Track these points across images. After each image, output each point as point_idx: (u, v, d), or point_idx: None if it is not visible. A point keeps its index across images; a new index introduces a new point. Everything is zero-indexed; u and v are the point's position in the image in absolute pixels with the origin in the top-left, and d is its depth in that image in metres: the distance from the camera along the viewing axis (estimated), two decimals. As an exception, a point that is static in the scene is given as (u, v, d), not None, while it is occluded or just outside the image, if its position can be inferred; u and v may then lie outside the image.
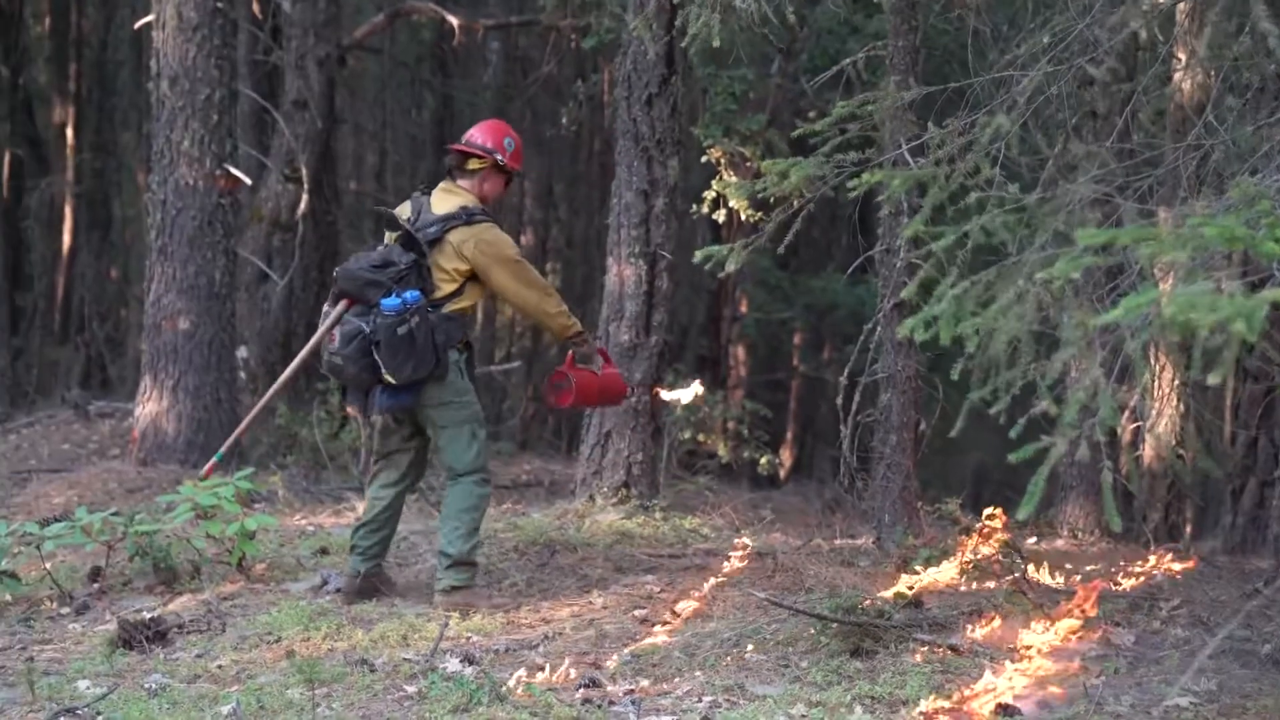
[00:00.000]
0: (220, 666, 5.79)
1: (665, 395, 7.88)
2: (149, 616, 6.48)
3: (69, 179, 20.40)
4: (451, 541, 6.75)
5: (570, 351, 7.22)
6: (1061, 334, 3.21)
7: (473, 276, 6.85)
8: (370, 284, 6.66)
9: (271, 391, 7.59)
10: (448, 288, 6.80)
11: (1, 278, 17.06)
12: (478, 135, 7.10)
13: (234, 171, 11.55)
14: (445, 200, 6.95)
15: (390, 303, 6.55)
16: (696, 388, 7.72)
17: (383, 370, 6.57)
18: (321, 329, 6.88)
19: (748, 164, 14.02)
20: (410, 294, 6.58)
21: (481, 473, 6.92)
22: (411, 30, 20.78)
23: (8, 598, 7.31)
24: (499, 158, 7.02)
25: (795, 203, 6.70)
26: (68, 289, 20.79)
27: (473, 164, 7.02)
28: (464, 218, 6.83)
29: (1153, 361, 8.90)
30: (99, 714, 4.99)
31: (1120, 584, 7.14)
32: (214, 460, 7.60)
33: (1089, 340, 2.96)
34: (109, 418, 14.44)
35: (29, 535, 7.55)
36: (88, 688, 5.47)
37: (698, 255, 6.93)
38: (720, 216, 14.06)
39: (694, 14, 6.63)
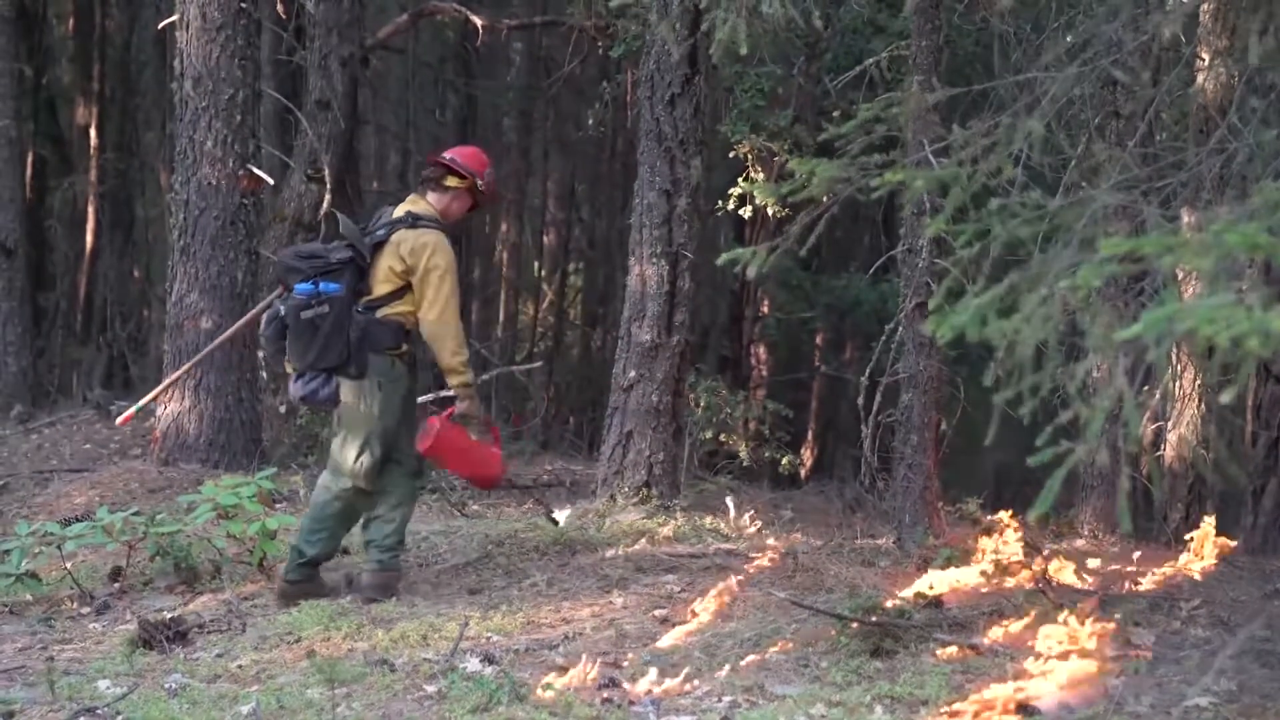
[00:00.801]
0: (240, 666, 5.80)
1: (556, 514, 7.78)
2: (169, 616, 6.50)
3: (92, 179, 20.44)
4: (302, 535, 7.04)
5: (454, 405, 7.10)
6: (1087, 341, 3.20)
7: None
8: (291, 269, 6.92)
9: (194, 361, 8.76)
10: (385, 289, 6.90)
11: (24, 277, 17.08)
12: (462, 158, 7.25)
13: (257, 171, 11.56)
14: (403, 208, 7.12)
15: (302, 287, 6.79)
16: (562, 516, 7.57)
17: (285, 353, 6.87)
18: (252, 311, 7.11)
19: (775, 159, 14.02)
20: (329, 285, 6.78)
21: (360, 481, 6.93)
22: (435, 30, 20.83)
23: (29, 597, 7.35)
24: (478, 182, 7.18)
25: (820, 204, 6.70)
26: (90, 289, 20.84)
27: (452, 181, 7.16)
28: (409, 221, 6.97)
29: (1174, 363, 8.88)
30: (119, 714, 5.00)
31: (1140, 584, 7.12)
32: (131, 410, 8.33)
33: (1113, 347, 2.96)
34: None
35: (50, 535, 7.60)
36: (108, 687, 5.49)
37: (722, 258, 6.92)
38: (746, 213, 14.05)
39: (720, 18, 6.63)
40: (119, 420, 8.54)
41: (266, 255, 13.03)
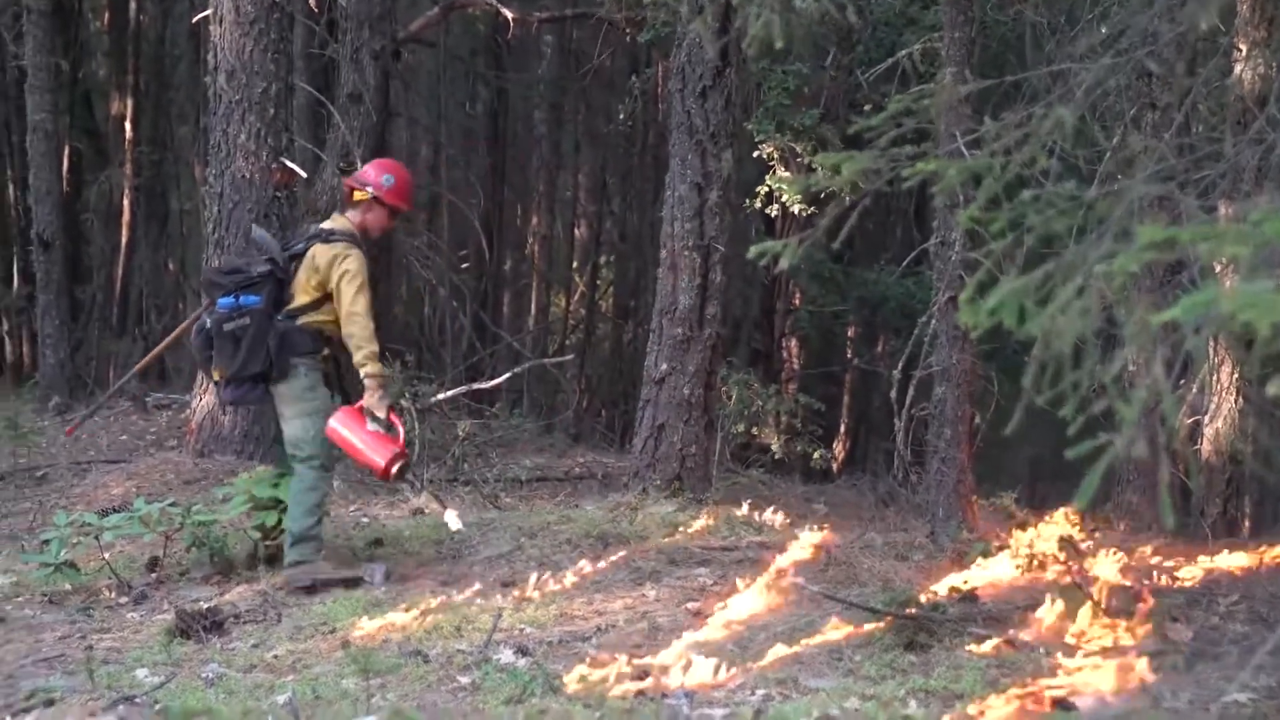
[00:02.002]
0: (276, 656, 5.83)
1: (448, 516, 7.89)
2: (206, 606, 6.54)
3: (127, 172, 20.52)
4: (295, 519, 7.26)
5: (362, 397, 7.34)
6: (1123, 330, 3.18)
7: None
8: (213, 285, 7.43)
9: (129, 375, 9.53)
10: (303, 299, 7.33)
11: (61, 270, 17.15)
12: (363, 171, 7.73)
13: (289, 165, 11.59)
14: (325, 225, 7.62)
15: (224, 301, 7.26)
16: (455, 519, 7.70)
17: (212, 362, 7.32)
18: (182, 325, 7.98)
19: (799, 159, 13.99)
20: (249, 298, 7.25)
21: (320, 459, 7.32)
22: (466, 23, 20.83)
23: (67, 587, 7.39)
24: (372, 190, 7.54)
25: (850, 197, 6.68)
26: (126, 282, 20.92)
27: (356, 196, 7.59)
28: (323, 236, 7.42)
29: (1212, 356, 8.83)
30: (157, 702, 5.03)
31: (1178, 579, 7.08)
32: (79, 419, 9.62)
33: (1151, 338, 2.94)
34: (166, 409, 14.56)
35: (88, 525, 7.66)
36: (146, 676, 5.52)
37: (752, 251, 6.89)
38: (773, 212, 14.04)
39: (754, 13, 6.62)
40: (66, 431, 9.30)
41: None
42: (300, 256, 7.37)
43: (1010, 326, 3.19)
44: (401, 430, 7.48)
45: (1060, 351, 3.09)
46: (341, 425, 7.21)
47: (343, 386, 7.59)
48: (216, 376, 7.36)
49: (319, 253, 7.31)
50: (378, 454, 7.23)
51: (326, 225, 7.55)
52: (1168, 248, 2.76)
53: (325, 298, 7.33)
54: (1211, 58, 7.90)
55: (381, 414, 7.25)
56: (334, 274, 7.25)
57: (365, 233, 7.58)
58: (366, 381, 7.22)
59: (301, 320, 7.30)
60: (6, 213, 21.01)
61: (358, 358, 7.20)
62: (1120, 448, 2.81)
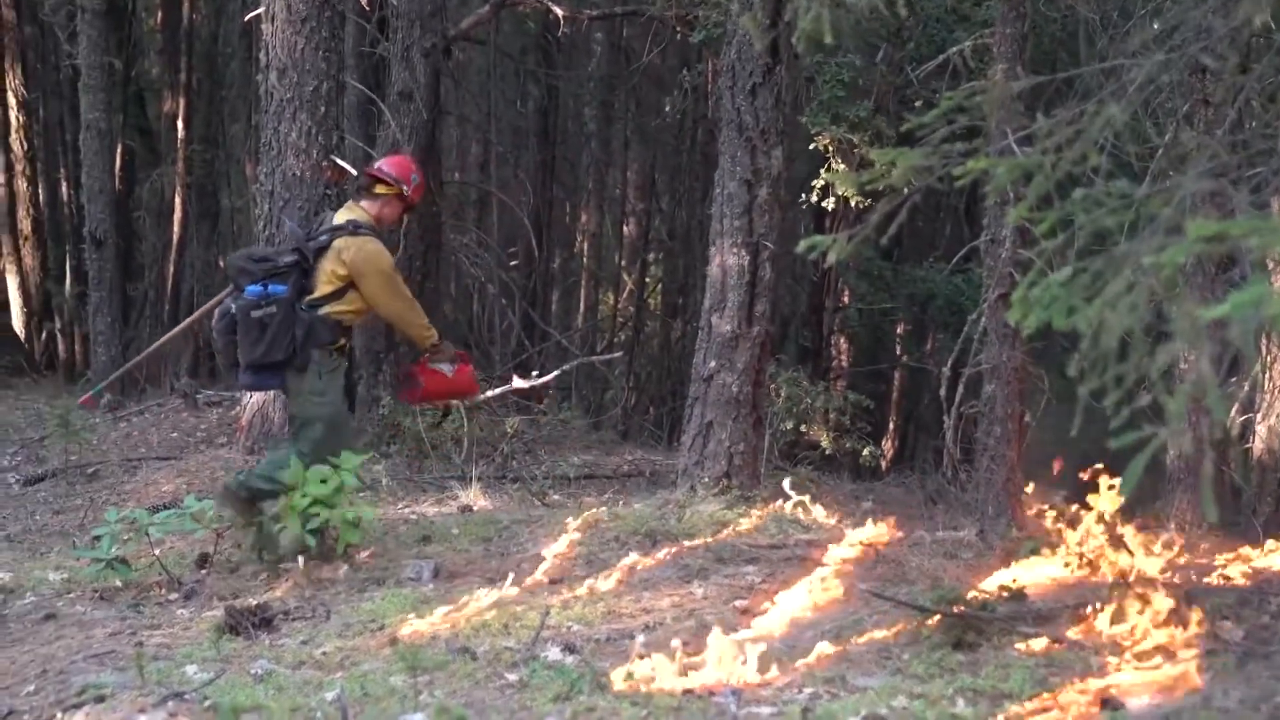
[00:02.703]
0: (325, 653, 5.85)
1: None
2: (255, 603, 6.57)
3: (179, 170, 20.70)
4: (256, 476, 7.69)
5: (425, 355, 8.15)
6: (1172, 325, 3.15)
7: (354, 284, 7.68)
8: (243, 271, 7.64)
9: (154, 346, 10.34)
10: (326, 289, 7.64)
11: (114, 268, 17.31)
12: (388, 166, 8.08)
13: (340, 163, 11.63)
14: (342, 215, 7.96)
15: (252, 289, 7.52)
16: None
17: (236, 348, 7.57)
18: (204, 306, 8.42)
19: (855, 151, 13.95)
20: (276, 287, 7.52)
21: (310, 457, 7.54)
22: (516, 21, 20.88)
23: (118, 583, 7.45)
24: (404, 188, 7.97)
25: (903, 193, 6.66)
26: (177, 279, 21.09)
27: (380, 189, 7.97)
28: (350, 229, 7.73)
29: (1264, 354, 8.75)
30: (207, 698, 5.05)
31: (1228, 578, 7.02)
32: (91, 394, 9.86)
33: (1199, 333, 2.91)
34: (217, 406, 14.65)
35: (139, 521, 7.70)
36: (196, 672, 5.55)
37: (801, 245, 6.89)
38: (830, 204, 13.99)
39: (803, 7, 6.60)
40: (79, 401, 9.81)
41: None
42: (325, 249, 7.67)
43: (1058, 325, 3.17)
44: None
45: (1107, 346, 3.07)
46: (436, 380, 8.13)
47: (351, 379, 7.98)
48: (239, 361, 7.64)
49: (348, 246, 7.64)
50: (467, 382, 8.33)
51: (349, 216, 7.87)
52: (1218, 242, 2.74)
53: (346, 288, 7.64)
54: (1265, 54, 7.81)
55: (450, 356, 8.09)
56: (371, 272, 7.65)
57: (380, 223, 7.99)
58: (431, 351, 8.02)
59: (323, 310, 7.61)
60: (59, 211, 21.23)
61: (419, 335, 7.92)
62: (1164, 438, 2.79)
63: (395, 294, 7.76)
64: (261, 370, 7.55)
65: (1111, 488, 6.12)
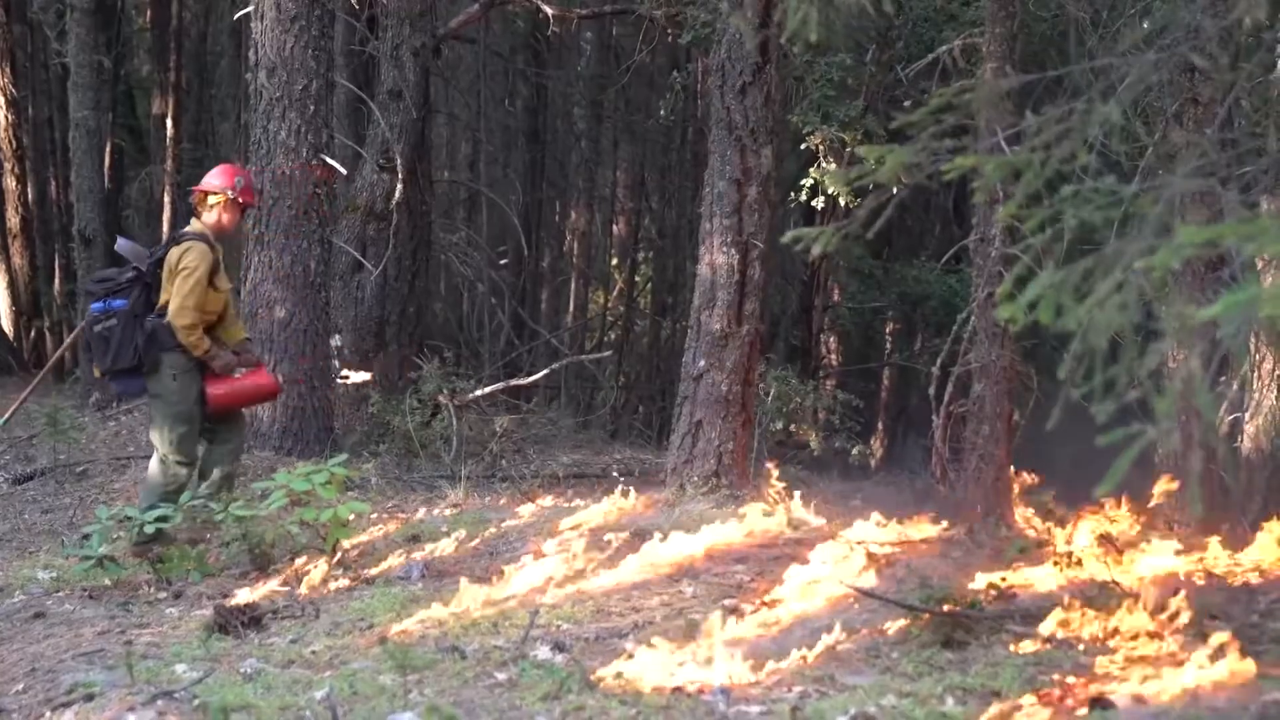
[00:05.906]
0: (314, 652, 5.84)
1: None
2: (244, 602, 6.56)
3: (168, 169, 20.65)
4: (141, 517, 7.80)
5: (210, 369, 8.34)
6: (1163, 325, 3.16)
7: None
8: (88, 293, 8.54)
9: (41, 374, 10.45)
10: (165, 297, 8.16)
11: (103, 267, 17.25)
12: (212, 178, 8.50)
13: (330, 161, 11.63)
14: (182, 230, 8.56)
15: (95, 306, 8.19)
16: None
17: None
18: (74, 333, 9.57)
19: (846, 150, 13.96)
20: (116, 302, 8.14)
21: (175, 456, 8.17)
22: (506, 20, 20.87)
23: (107, 582, 7.44)
24: (229, 193, 8.37)
25: (892, 190, 6.66)
26: (166, 278, 21.02)
27: (212, 200, 8.40)
28: (177, 239, 8.35)
29: (1253, 353, 8.77)
30: (196, 697, 5.05)
31: (1217, 575, 7.02)
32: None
33: (1189, 334, 2.91)
34: (205, 405, 14.61)
35: (128, 520, 7.71)
36: (185, 671, 5.55)
37: (787, 236, 6.88)
38: (819, 203, 13.99)
39: (792, 7, 6.60)
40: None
41: (340, 245, 13.13)
42: (162, 260, 8.22)
43: (1046, 322, 3.17)
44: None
45: (1096, 345, 3.07)
46: (217, 390, 8.23)
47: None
48: (97, 373, 8.40)
49: (173, 253, 8.16)
50: (263, 383, 8.55)
51: (186, 230, 8.42)
52: (1209, 245, 2.74)
53: None
54: (1255, 53, 7.83)
55: (237, 364, 8.36)
56: (177, 268, 8.09)
57: (222, 231, 8.47)
58: (204, 358, 8.16)
59: (169, 317, 8.09)
60: (48, 209, 21.16)
61: (186, 341, 8.08)
62: (1152, 435, 2.79)
63: (184, 295, 8.05)
64: (119, 376, 8.18)
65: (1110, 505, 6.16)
